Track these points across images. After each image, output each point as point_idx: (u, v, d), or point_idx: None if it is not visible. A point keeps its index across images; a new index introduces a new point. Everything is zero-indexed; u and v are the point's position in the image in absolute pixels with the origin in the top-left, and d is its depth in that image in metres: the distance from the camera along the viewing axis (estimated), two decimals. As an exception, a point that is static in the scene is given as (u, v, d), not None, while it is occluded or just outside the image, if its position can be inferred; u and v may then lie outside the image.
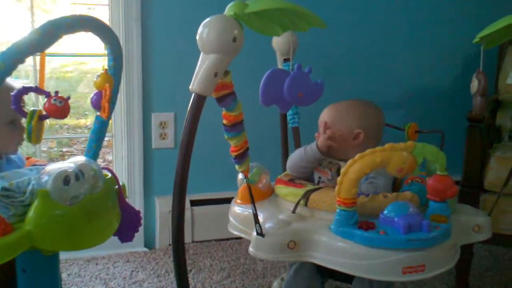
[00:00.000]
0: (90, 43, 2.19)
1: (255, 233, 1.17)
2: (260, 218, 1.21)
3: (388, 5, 2.40)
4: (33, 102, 1.89)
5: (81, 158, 1.04)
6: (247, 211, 1.31)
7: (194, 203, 2.23)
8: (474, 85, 1.56)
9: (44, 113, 0.98)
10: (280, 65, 1.73)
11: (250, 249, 1.18)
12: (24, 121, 1.17)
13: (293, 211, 1.27)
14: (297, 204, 1.27)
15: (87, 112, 3.98)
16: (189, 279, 1.88)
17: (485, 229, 1.28)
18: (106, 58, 1.13)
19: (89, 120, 3.87)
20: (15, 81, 1.21)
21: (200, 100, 1.07)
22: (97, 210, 1.05)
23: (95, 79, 1.07)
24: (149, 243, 2.22)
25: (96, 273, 1.94)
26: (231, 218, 1.39)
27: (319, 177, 1.44)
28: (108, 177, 1.14)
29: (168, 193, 2.14)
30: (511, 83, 2.21)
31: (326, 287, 1.44)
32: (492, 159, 1.76)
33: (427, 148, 1.14)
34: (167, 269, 1.98)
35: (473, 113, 1.67)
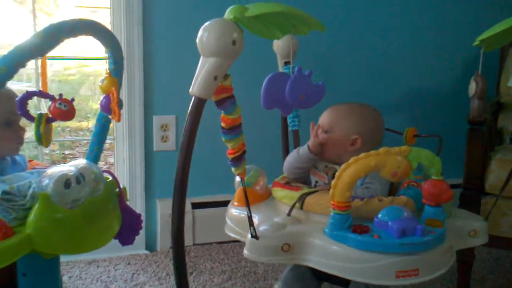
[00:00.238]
0: (92, 46, 2.20)
1: (249, 236, 1.17)
2: (256, 220, 1.22)
3: (388, 8, 2.40)
4: (35, 105, 1.89)
5: (82, 162, 1.04)
6: (244, 213, 1.31)
7: (195, 205, 2.23)
8: (472, 87, 1.56)
9: (50, 116, 0.98)
10: (281, 68, 1.73)
11: (245, 251, 1.18)
12: (22, 122, 1.18)
13: (288, 214, 1.27)
14: (293, 207, 1.27)
15: (89, 115, 4.00)
16: (190, 282, 1.89)
17: (481, 234, 1.27)
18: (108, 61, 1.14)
19: (91, 123, 3.88)
20: (16, 84, 1.22)
21: (200, 103, 1.07)
22: (98, 213, 1.06)
23: (100, 83, 1.07)
24: (150, 246, 2.22)
25: (97, 276, 1.94)
26: (228, 220, 1.39)
27: (316, 181, 1.45)
28: (109, 180, 1.14)
29: (170, 195, 2.14)
30: (513, 86, 2.21)
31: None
32: (493, 162, 1.75)
33: (423, 152, 1.14)
34: (168, 271, 1.98)
35: (471, 116, 1.67)
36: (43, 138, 1.01)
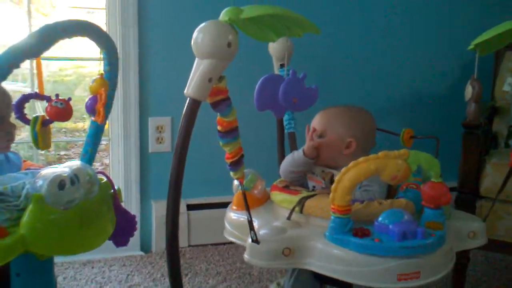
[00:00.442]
0: (88, 47, 2.20)
1: (250, 240, 1.17)
2: (256, 224, 1.21)
3: (383, 11, 2.41)
4: (30, 107, 1.89)
5: (76, 163, 1.05)
6: (243, 217, 1.30)
7: (190, 207, 2.23)
8: (468, 91, 1.56)
9: (47, 118, 0.98)
10: (276, 71, 1.73)
11: (245, 256, 1.18)
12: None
13: (288, 218, 1.27)
14: (292, 210, 1.27)
15: (84, 116, 3.99)
16: (185, 283, 1.89)
17: (480, 235, 1.28)
18: (102, 62, 1.13)
19: (87, 124, 3.87)
20: (11, 85, 1.21)
21: (195, 104, 1.07)
22: (92, 215, 1.05)
23: (90, 84, 1.07)
24: (145, 247, 2.22)
25: (91, 277, 1.94)
26: (226, 224, 1.39)
27: (313, 186, 1.45)
28: (103, 181, 1.14)
29: (165, 197, 2.14)
30: (508, 90, 2.21)
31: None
32: (488, 166, 1.76)
33: (421, 155, 1.14)
34: (163, 272, 1.98)
35: (467, 120, 1.67)
36: (39, 140, 1.00)
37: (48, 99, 0.98)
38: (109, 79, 1.12)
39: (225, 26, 1.04)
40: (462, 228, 1.28)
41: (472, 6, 2.52)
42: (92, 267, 2.02)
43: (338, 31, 2.32)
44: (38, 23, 2.09)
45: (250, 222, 1.17)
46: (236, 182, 1.37)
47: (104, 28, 1.17)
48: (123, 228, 1.18)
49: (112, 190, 1.17)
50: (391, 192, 1.39)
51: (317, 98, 1.26)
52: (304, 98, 1.22)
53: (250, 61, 1.93)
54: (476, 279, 1.98)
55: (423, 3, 2.46)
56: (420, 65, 2.50)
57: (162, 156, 2.19)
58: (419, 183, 1.30)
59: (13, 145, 1.22)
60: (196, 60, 1.06)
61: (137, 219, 1.24)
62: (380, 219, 1.13)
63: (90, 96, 1.09)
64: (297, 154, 1.44)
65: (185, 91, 1.07)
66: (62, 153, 3.71)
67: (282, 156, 1.74)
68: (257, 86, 1.19)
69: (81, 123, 3.95)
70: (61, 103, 0.98)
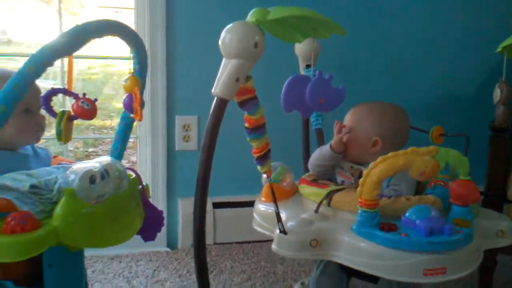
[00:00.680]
0: (116, 46, 2.24)
1: (278, 231, 1.19)
2: (283, 216, 1.24)
3: (411, 12, 2.39)
4: (60, 102, 1.94)
5: (106, 158, 1.07)
6: (271, 209, 1.32)
7: (216, 205, 2.25)
8: (497, 94, 1.56)
9: (72, 114, 1.01)
10: (302, 71, 1.75)
11: (273, 246, 1.20)
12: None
13: (316, 211, 1.29)
14: (320, 203, 1.29)
15: (112, 114, 4.05)
16: (210, 280, 1.90)
17: (509, 234, 1.27)
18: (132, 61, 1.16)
19: (114, 122, 3.92)
20: (43, 82, 1.25)
21: (222, 103, 1.09)
22: (121, 209, 1.08)
23: (123, 82, 1.09)
24: (171, 244, 2.25)
25: (119, 271, 1.98)
26: (255, 215, 1.42)
27: (342, 181, 1.46)
28: (132, 177, 1.16)
29: (191, 195, 2.17)
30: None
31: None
32: (516, 170, 1.74)
33: (450, 152, 1.14)
34: (189, 269, 2.01)
35: (495, 122, 1.66)
36: (63, 135, 1.03)
37: (75, 96, 1.01)
38: (139, 76, 1.14)
39: (252, 27, 1.06)
40: (490, 226, 1.27)
41: (500, 8, 2.49)
42: (120, 262, 2.06)
43: (363, 31, 2.32)
44: (67, 22, 2.13)
45: (278, 214, 1.19)
46: (265, 175, 1.40)
47: (132, 27, 1.20)
48: (151, 223, 1.20)
49: (140, 186, 1.19)
50: (419, 189, 1.39)
51: (344, 98, 1.27)
52: (331, 99, 1.24)
53: (275, 61, 1.95)
54: (504, 282, 1.96)
55: (451, 4, 2.44)
56: (447, 67, 2.48)
57: (189, 154, 2.22)
58: (447, 180, 1.30)
59: (43, 140, 1.25)
60: (224, 60, 1.09)
61: (164, 215, 1.26)
62: (407, 214, 1.14)
63: (126, 95, 1.11)
64: (325, 148, 1.45)
65: (212, 90, 1.09)
66: (90, 150, 3.77)
67: (307, 152, 1.76)
68: (284, 87, 1.21)
69: (109, 121, 4.01)
70: (87, 104, 1.01)
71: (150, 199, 1.23)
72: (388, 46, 2.39)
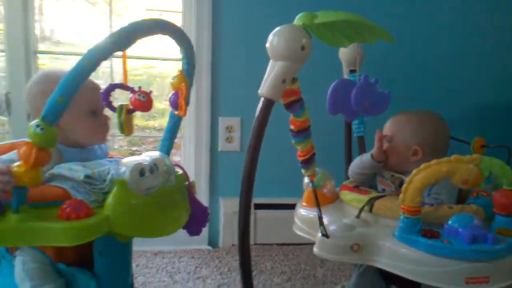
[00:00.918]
0: (158, 47, 2.29)
1: (320, 234, 1.21)
2: (325, 221, 1.25)
3: (455, 20, 2.37)
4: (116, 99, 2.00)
5: (155, 153, 1.11)
6: (312, 213, 1.35)
7: (257, 206, 2.27)
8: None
9: (130, 107, 1.06)
10: (345, 76, 1.76)
11: (315, 249, 1.22)
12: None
13: (357, 216, 1.29)
14: (362, 209, 1.29)
15: (155, 114, 4.13)
16: (251, 279, 1.94)
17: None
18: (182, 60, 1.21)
19: (157, 122, 4.00)
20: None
21: (269, 104, 1.12)
22: (169, 202, 1.12)
23: (171, 80, 1.14)
24: (213, 242, 2.29)
25: (162, 266, 2.03)
26: (296, 220, 1.43)
27: (383, 189, 1.46)
28: (179, 173, 1.21)
29: (232, 194, 2.22)
30: None
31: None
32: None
33: (494, 162, 1.14)
34: (230, 267, 2.04)
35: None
36: (124, 127, 1.09)
37: (131, 90, 1.06)
38: (187, 75, 1.18)
39: (299, 30, 1.08)
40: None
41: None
42: (163, 257, 2.11)
43: (406, 38, 2.30)
44: (113, 23, 2.19)
45: (320, 218, 1.21)
46: (306, 180, 1.41)
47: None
48: (196, 219, 1.23)
49: (187, 182, 1.23)
50: (460, 199, 1.38)
51: (389, 103, 1.28)
52: (376, 103, 1.25)
53: (318, 65, 1.96)
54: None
55: (494, 12, 2.40)
56: (489, 75, 2.44)
57: (231, 155, 2.25)
58: (489, 190, 1.30)
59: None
60: (271, 62, 1.12)
61: (209, 211, 1.29)
62: (450, 222, 1.14)
63: (172, 92, 1.15)
64: (366, 157, 1.46)
65: (259, 91, 1.12)
66: (134, 148, 3.86)
67: (349, 159, 1.76)
68: (329, 90, 1.23)
69: (152, 121, 4.08)
70: (143, 96, 1.06)
71: (197, 196, 1.27)
72: (431, 53, 2.37)
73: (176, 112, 1.15)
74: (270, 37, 1.10)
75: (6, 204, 0.96)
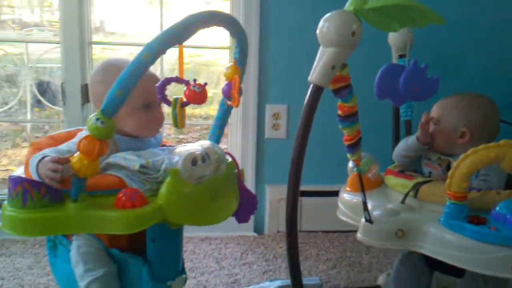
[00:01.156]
0: (204, 37, 2.30)
1: (363, 220, 1.20)
2: (369, 206, 1.25)
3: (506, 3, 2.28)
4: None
5: (207, 142, 1.13)
6: (356, 198, 1.34)
7: (303, 193, 2.26)
8: None
9: (184, 100, 1.08)
10: (394, 61, 1.73)
11: (358, 235, 1.22)
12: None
13: (402, 202, 1.29)
14: (407, 194, 1.29)
15: (202, 103, 4.17)
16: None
17: None
18: (233, 50, 1.21)
19: (203, 110, 4.04)
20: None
21: (318, 91, 1.12)
22: (220, 190, 1.14)
23: (224, 71, 1.14)
24: (258, 229, 2.30)
25: (209, 252, 2.06)
26: (340, 204, 1.43)
27: (430, 172, 1.44)
28: (229, 161, 1.22)
29: (278, 182, 2.22)
30: None
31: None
32: None
33: (545, 146, 1.11)
34: (275, 254, 2.06)
35: None
36: (178, 120, 1.10)
37: (186, 83, 1.07)
38: (239, 65, 1.18)
39: (350, 16, 1.07)
40: None
41: None
42: (210, 243, 2.14)
43: (461, 21, 2.23)
44: (157, 13, 2.21)
45: (365, 203, 1.21)
46: (350, 164, 1.41)
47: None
48: (245, 206, 1.24)
49: (236, 170, 1.24)
50: (510, 184, 1.36)
51: (437, 88, 1.26)
52: (425, 88, 1.23)
53: (366, 50, 1.93)
54: None
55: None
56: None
57: (277, 142, 2.25)
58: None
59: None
60: (321, 48, 1.11)
61: (257, 199, 1.30)
62: (497, 208, 1.12)
63: (226, 82, 1.16)
64: (411, 139, 1.45)
65: (309, 78, 1.12)
66: (181, 136, 3.92)
67: (396, 143, 1.74)
68: (378, 75, 1.22)
69: (198, 110, 4.13)
70: (198, 88, 1.06)
71: (245, 183, 1.28)
72: (483, 36, 2.29)
73: (229, 103, 1.15)
74: (321, 23, 1.10)
75: (65, 193, 0.99)
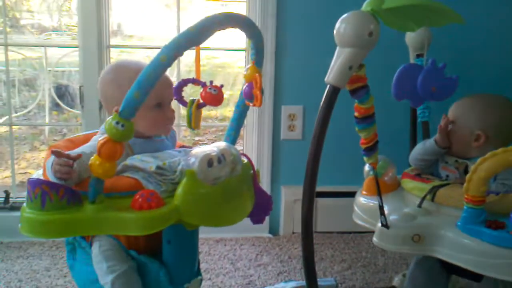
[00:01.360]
0: (220, 39, 2.31)
1: (379, 224, 1.20)
2: (385, 210, 1.24)
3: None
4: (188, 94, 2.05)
5: (222, 143, 1.13)
6: (372, 202, 1.34)
7: (318, 194, 2.24)
8: None
9: (201, 101, 1.08)
10: (412, 61, 1.72)
11: (374, 239, 1.21)
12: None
13: (419, 205, 1.28)
14: (423, 198, 1.28)
15: (217, 105, 4.18)
16: (311, 267, 1.94)
17: None
18: (249, 52, 1.21)
19: (219, 112, 4.05)
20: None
21: (335, 92, 1.12)
22: (235, 191, 1.14)
23: (244, 72, 1.14)
24: (273, 230, 2.30)
25: (224, 253, 2.06)
26: (356, 208, 1.43)
27: (447, 175, 1.43)
28: (245, 162, 1.21)
29: (294, 182, 2.22)
30: None
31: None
32: None
33: None
34: (290, 255, 2.05)
35: None
36: (192, 120, 1.10)
37: (203, 84, 1.07)
38: (257, 66, 1.18)
39: (367, 16, 1.07)
40: None
41: None
42: (225, 245, 2.14)
43: (480, 21, 2.21)
44: (173, 16, 2.22)
45: (381, 207, 1.20)
46: (367, 168, 1.40)
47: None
48: (260, 207, 1.24)
49: (252, 171, 1.24)
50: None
51: (456, 88, 1.25)
52: (443, 88, 1.22)
53: (383, 50, 1.92)
54: None
55: None
56: None
57: (293, 144, 2.25)
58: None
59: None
60: (338, 48, 1.11)
61: (272, 201, 1.30)
62: (516, 212, 1.10)
63: (246, 84, 1.16)
64: (429, 143, 1.44)
65: (325, 79, 1.12)
66: (197, 138, 3.93)
67: (413, 145, 1.74)
68: (395, 75, 1.21)
69: (214, 111, 4.14)
70: (214, 90, 1.07)
71: (260, 184, 1.28)
72: (503, 34, 2.26)
73: (251, 104, 1.15)
74: (338, 24, 1.09)
75: (83, 194, 1.00)
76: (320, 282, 1.68)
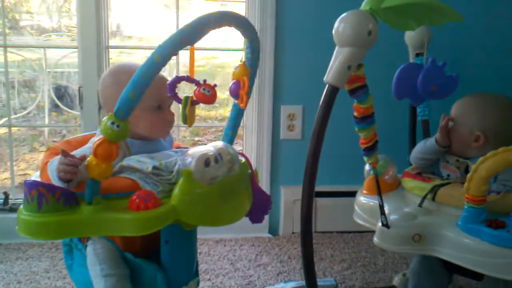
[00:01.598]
0: (220, 39, 2.30)
1: (380, 224, 1.19)
2: (386, 209, 1.24)
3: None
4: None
5: (220, 143, 1.12)
6: (373, 201, 1.33)
7: (317, 194, 2.24)
8: None
9: (195, 99, 1.08)
10: (411, 60, 1.72)
11: (375, 239, 1.20)
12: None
13: (420, 205, 1.27)
14: (424, 197, 1.27)
15: (217, 104, 4.18)
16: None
17: None
18: (245, 51, 1.20)
19: (219, 112, 4.05)
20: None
21: (333, 91, 1.11)
22: (233, 191, 1.13)
23: (234, 70, 1.14)
24: (273, 230, 2.30)
25: (224, 254, 2.06)
26: (356, 208, 1.42)
27: (448, 174, 1.43)
28: (243, 161, 1.21)
29: (293, 183, 2.21)
30: None
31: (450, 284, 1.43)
32: None
33: None
34: (290, 255, 2.05)
35: None
36: (187, 118, 1.10)
37: (197, 83, 1.07)
38: (251, 66, 1.18)
39: (366, 15, 1.07)
40: None
41: None
42: (224, 245, 2.13)
43: (478, 19, 2.21)
44: (173, 16, 2.22)
45: (382, 207, 1.19)
46: (367, 167, 1.40)
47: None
48: (259, 206, 1.23)
49: (250, 170, 1.23)
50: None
51: (456, 86, 1.25)
52: (443, 86, 1.22)
53: (382, 49, 1.92)
54: None
55: None
56: None
57: (293, 144, 2.24)
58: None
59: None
60: (336, 48, 1.10)
61: (271, 200, 1.30)
62: (517, 211, 1.10)
63: (233, 81, 1.16)
64: (430, 142, 1.43)
65: (324, 78, 1.11)
66: (196, 139, 3.93)
67: (413, 144, 1.74)
68: (396, 74, 1.21)
69: (214, 111, 4.14)
70: (208, 90, 1.07)
71: (259, 184, 1.27)
72: (503, 33, 2.26)
73: (236, 102, 1.15)
74: (336, 23, 1.09)
75: (80, 195, 0.99)
76: (320, 282, 1.68)
